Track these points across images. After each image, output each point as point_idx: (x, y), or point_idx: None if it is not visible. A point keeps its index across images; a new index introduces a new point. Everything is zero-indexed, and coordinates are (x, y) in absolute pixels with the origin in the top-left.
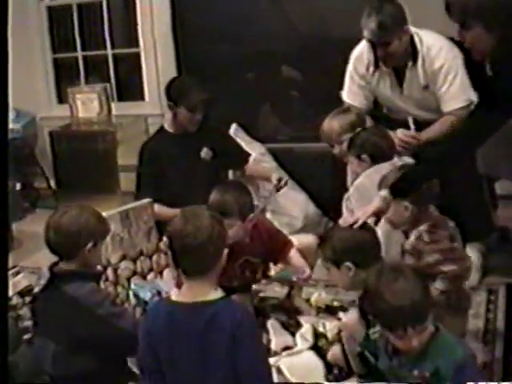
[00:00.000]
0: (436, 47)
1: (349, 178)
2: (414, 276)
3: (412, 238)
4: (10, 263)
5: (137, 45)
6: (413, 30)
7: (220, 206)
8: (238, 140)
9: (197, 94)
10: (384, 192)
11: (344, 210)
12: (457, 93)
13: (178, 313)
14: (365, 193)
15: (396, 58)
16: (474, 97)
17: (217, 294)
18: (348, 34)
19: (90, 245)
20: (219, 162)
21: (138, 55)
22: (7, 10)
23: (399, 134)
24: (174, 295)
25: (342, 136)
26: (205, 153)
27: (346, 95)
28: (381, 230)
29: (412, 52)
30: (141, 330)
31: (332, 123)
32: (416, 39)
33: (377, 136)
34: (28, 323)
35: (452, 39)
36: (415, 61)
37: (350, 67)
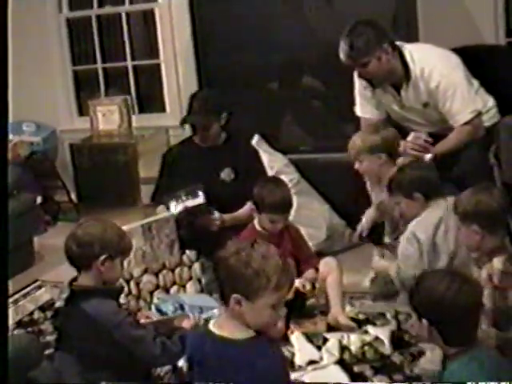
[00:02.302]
0: (429, 67)
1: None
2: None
3: (484, 273)
4: (32, 277)
5: (157, 56)
6: (406, 46)
7: (284, 202)
8: (260, 151)
9: (200, 116)
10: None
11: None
12: (461, 107)
13: (206, 342)
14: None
15: (380, 77)
16: (482, 105)
17: (247, 332)
18: None
19: (103, 257)
20: (240, 183)
21: (158, 66)
22: (7, 10)
23: (410, 138)
24: (212, 322)
25: (360, 155)
26: (225, 174)
27: (358, 109)
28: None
29: (405, 71)
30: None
31: (356, 140)
32: (408, 58)
33: (425, 170)
34: (50, 338)
35: (454, 50)
36: (408, 80)
37: (355, 82)
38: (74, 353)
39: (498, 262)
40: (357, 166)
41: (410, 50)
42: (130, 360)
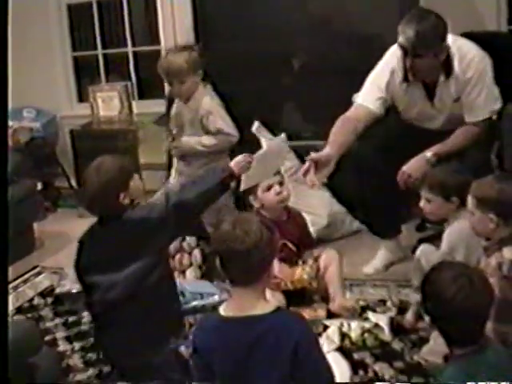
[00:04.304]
0: (469, 56)
1: None
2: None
3: (493, 261)
4: (32, 263)
5: (158, 42)
6: (449, 39)
7: None
8: (261, 138)
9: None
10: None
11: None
12: (481, 105)
13: (228, 329)
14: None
15: (426, 73)
16: (497, 106)
17: (268, 306)
18: (372, 31)
19: (122, 195)
20: None
21: (159, 53)
22: (7, 10)
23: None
24: (223, 308)
25: (185, 75)
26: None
27: (362, 98)
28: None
29: (445, 66)
30: (193, 345)
31: (162, 64)
32: (452, 51)
33: (467, 174)
34: (50, 324)
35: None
36: (448, 76)
37: (374, 73)
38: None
39: (508, 252)
40: (176, 88)
41: (452, 39)
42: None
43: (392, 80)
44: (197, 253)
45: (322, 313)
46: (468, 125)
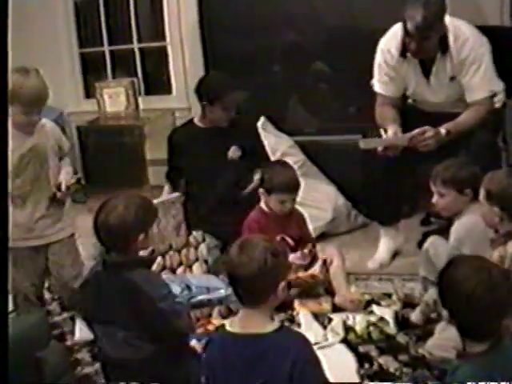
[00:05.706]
0: (464, 36)
1: None
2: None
3: (495, 254)
4: None
5: (164, 38)
6: (446, 19)
7: (292, 182)
8: (266, 133)
9: (234, 95)
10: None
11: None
12: (479, 83)
13: (230, 344)
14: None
15: (428, 52)
16: (498, 87)
17: (271, 325)
18: (375, 25)
19: (142, 236)
20: (247, 161)
21: (164, 49)
22: (7, 9)
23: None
24: (229, 324)
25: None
26: (232, 152)
27: (377, 86)
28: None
29: (441, 43)
30: (202, 358)
31: (36, 83)
32: (449, 29)
33: (474, 168)
34: (57, 318)
35: (480, 28)
36: (444, 52)
37: (377, 56)
38: (113, 323)
39: (496, 253)
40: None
41: (450, 19)
42: (165, 335)
43: (390, 57)
44: (203, 247)
45: (327, 306)
46: (473, 105)
